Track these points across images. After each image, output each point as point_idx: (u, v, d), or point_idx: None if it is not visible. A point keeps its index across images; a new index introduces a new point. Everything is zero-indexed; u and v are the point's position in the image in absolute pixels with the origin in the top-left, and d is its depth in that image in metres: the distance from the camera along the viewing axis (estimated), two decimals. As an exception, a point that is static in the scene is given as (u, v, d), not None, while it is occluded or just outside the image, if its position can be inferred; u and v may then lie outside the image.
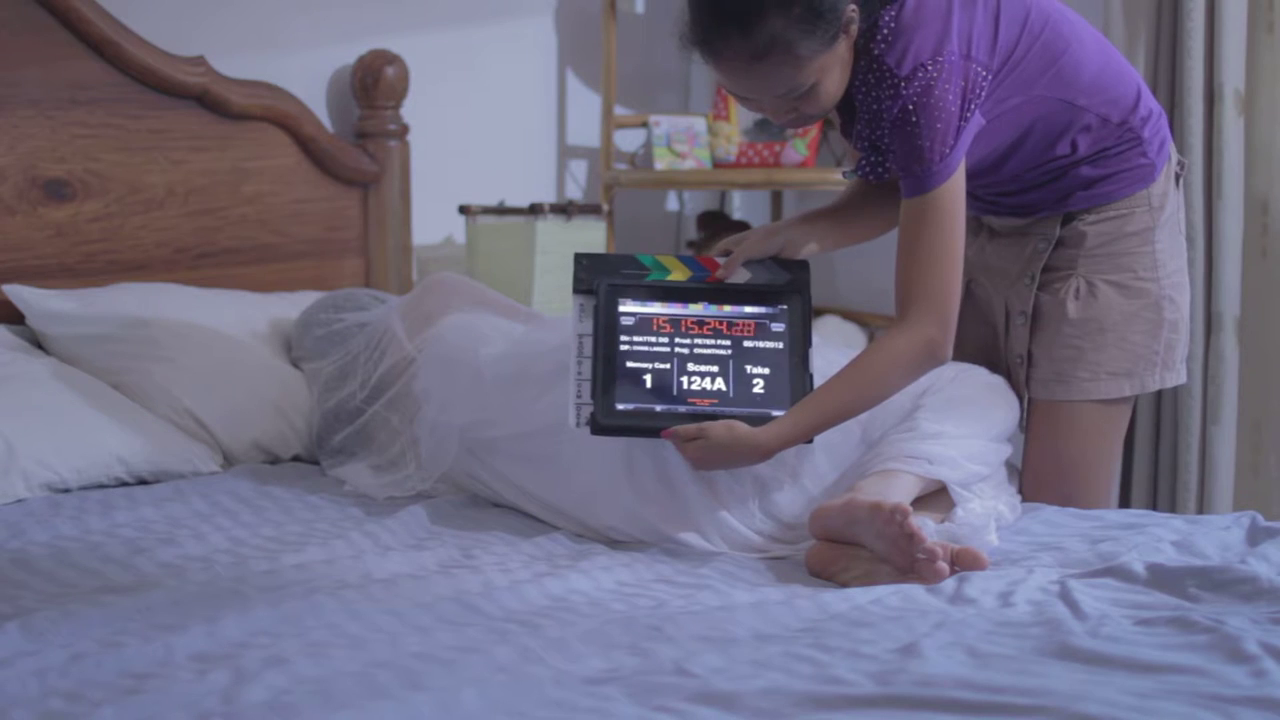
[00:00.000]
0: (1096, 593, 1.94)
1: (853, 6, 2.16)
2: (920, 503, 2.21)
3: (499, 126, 3.82)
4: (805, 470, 2.28)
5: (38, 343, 2.87)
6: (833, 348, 2.47)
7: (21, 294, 2.88)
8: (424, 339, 2.63)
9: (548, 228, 3.43)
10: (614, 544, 2.28)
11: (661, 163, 3.77)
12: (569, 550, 2.24)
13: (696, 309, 2.30)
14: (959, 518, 2.19)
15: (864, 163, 2.32)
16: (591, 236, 3.51)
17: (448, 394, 2.51)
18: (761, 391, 2.24)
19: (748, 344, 2.27)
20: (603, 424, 2.20)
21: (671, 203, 4.24)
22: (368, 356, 2.71)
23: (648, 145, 3.87)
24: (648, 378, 2.24)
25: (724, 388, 2.24)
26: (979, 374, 2.41)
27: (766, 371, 2.26)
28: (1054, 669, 1.64)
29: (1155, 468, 3.44)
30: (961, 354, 2.31)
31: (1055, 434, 2.47)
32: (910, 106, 2.17)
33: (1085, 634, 1.76)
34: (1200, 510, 3.32)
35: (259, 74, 3.30)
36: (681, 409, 2.21)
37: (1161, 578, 1.99)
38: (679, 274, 2.34)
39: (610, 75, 3.81)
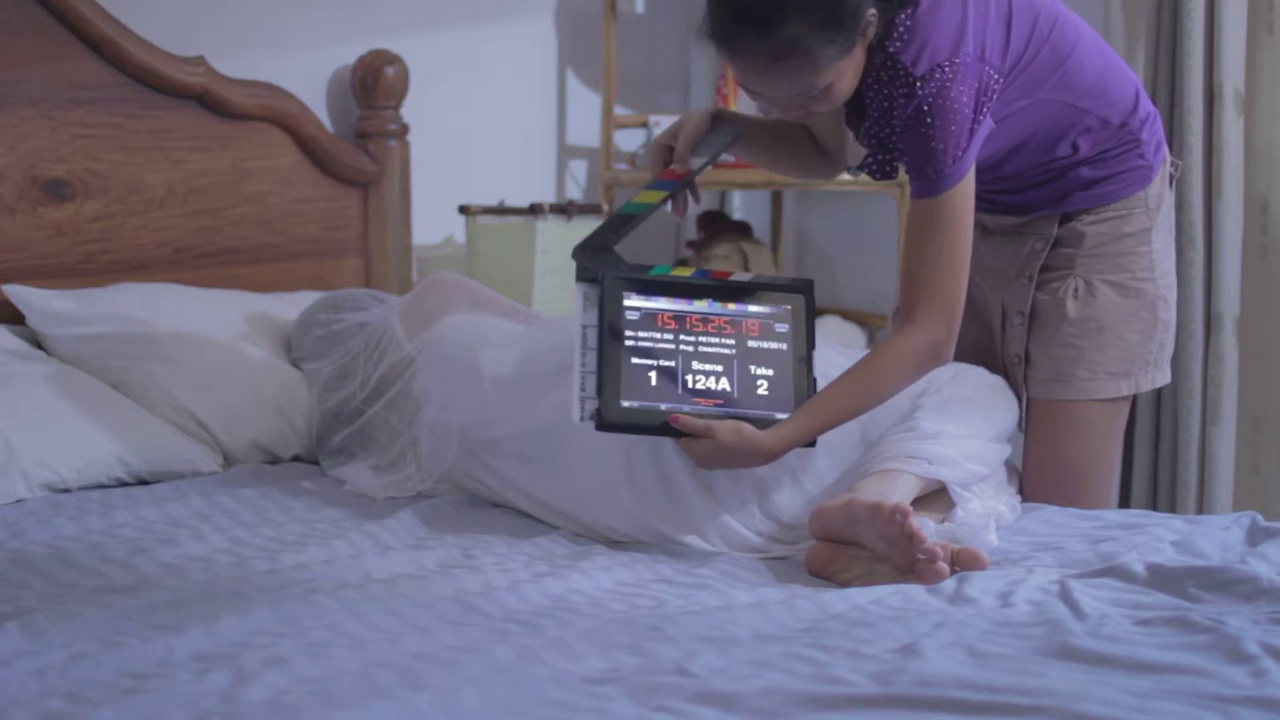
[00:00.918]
0: (1096, 593, 1.94)
1: (872, 11, 2.15)
2: (920, 503, 2.21)
3: (499, 126, 3.82)
4: (805, 470, 2.28)
5: (38, 343, 2.86)
6: (832, 348, 2.47)
7: (22, 294, 2.88)
8: (424, 339, 2.63)
9: (548, 228, 3.43)
10: (614, 544, 2.28)
11: (661, 163, 3.77)
12: (569, 550, 2.24)
13: (701, 306, 2.29)
14: (959, 518, 2.19)
15: (870, 160, 2.32)
16: (591, 236, 3.51)
17: (447, 394, 2.51)
18: (766, 393, 2.23)
19: (752, 344, 2.26)
20: (608, 420, 2.18)
21: (671, 203, 4.23)
22: (367, 357, 2.71)
23: (648, 145, 3.87)
24: (653, 374, 2.22)
25: (728, 388, 2.22)
26: (979, 374, 2.41)
27: (770, 373, 2.25)
28: (1054, 669, 1.64)
29: (1155, 468, 3.44)
30: (958, 354, 2.31)
31: (1055, 434, 2.47)
32: (925, 107, 2.17)
33: (1085, 634, 1.76)
34: (1200, 510, 3.32)
35: (259, 74, 3.30)
36: (686, 409, 2.20)
37: (1161, 578, 1.99)
38: (681, 270, 2.33)
39: (610, 75, 3.81)
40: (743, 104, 3.83)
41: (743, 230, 3.92)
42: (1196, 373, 3.30)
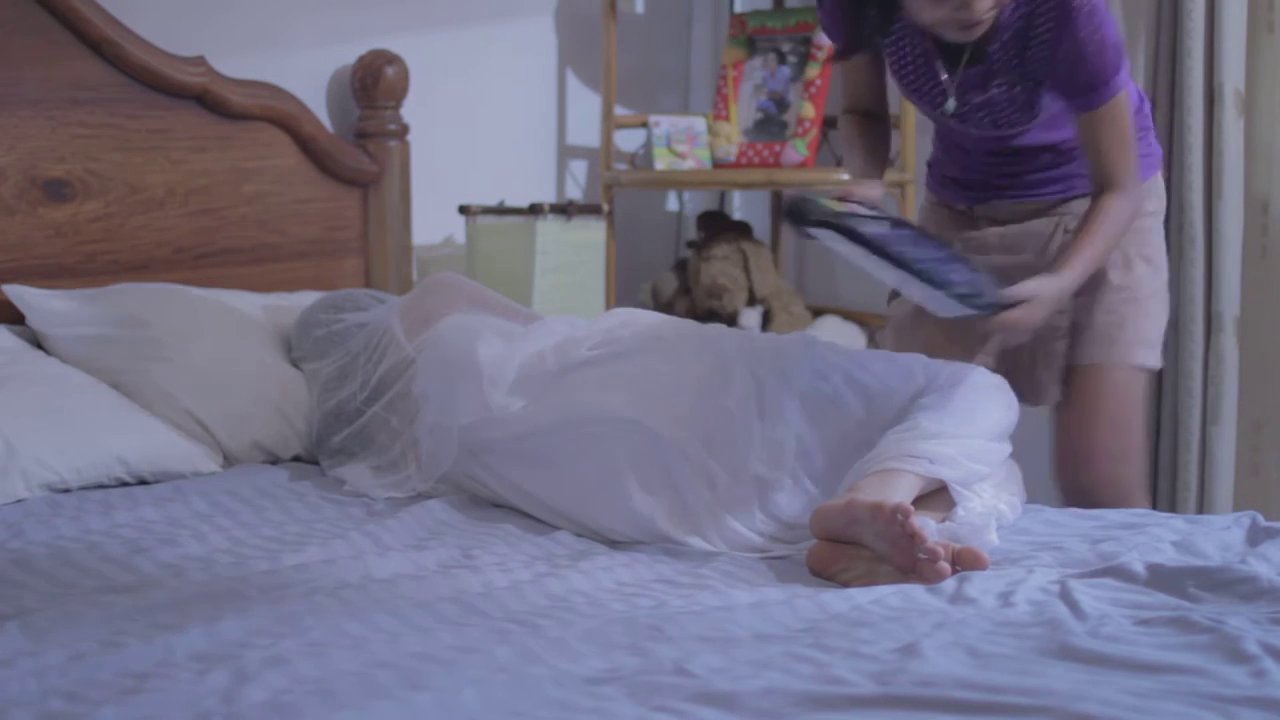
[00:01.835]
0: (1096, 593, 1.94)
1: None
2: (921, 502, 2.21)
3: (499, 126, 3.82)
4: (805, 470, 2.28)
5: (38, 343, 2.86)
6: (830, 347, 2.46)
7: (22, 294, 2.88)
8: (423, 340, 2.63)
9: (548, 228, 3.43)
10: (614, 544, 2.28)
11: (661, 163, 3.77)
12: (569, 550, 2.24)
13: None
14: (959, 517, 2.20)
15: (998, 98, 2.46)
16: (591, 236, 3.51)
17: (447, 395, 2.51)
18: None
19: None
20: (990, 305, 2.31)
21: (671, 203, 4.24)
22: (367, 358, 2.71)
23: (648, 145, 3.87)
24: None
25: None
26: (979, 373, 2.41)
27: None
28: (1054, 669, 1.64)
29: (1155, 468, 3.43)
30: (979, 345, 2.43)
31: (1100, 395, 2.58)
32: (1087, 17, 2.35)
33: (1085, 634, 1.76)
34: (1200, 510, 3.31)
35: (259, 74, 3.30)
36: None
37: (1161, 578, 1.99)
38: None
39: (610, 75, 3.81)
40: (743, 102, 3.83)
41: (743, 230, 3.92)
42: (1196, 373, 3.30)
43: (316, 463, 2.77)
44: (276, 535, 2.28)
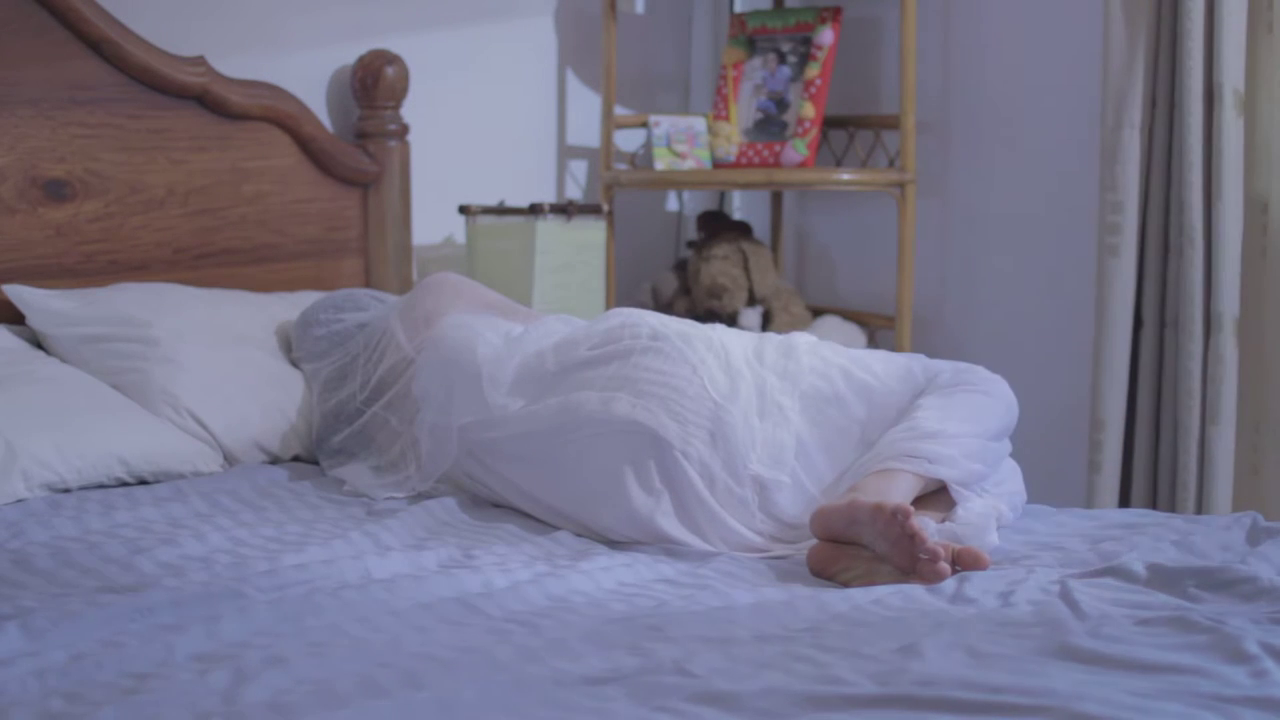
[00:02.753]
0: (1096, 593, 1.94)
1: None
2: (921, 502, 2.21)
3: (499, 126, 3.82)
4: (805, 470, 2.28)
5: (38, 343, 2.86)
6: (830, 347, 2.46)
7: (21, 294, 2.88)
8: (423, 340, 2.63)
9: (548, 228, 3.43)
10: (614, 544, 2.28)
11: (661, 163, 3.77)
12: (569, 550, 2.24)
13: None
14: (960, 517, 2.20)
15: None
16: (591, 236, 3.51)
17: (447, 395, 2.51)
18: None
19: None
20: None
21: (671, 203, 4.24)
22: (367, 358, 2.71)
23: (648, 145, 3.87)
24: None
25: None
26: (978, 373, 2.41)
27: None
28: (1054, 669, 1.64)
29: (1155, 468, 3.44)
30: None
31: None
32: None
33: (1085, 634, 1.76)
34: (1200, 510, 3.31)
35: (259, 74, 3.30)
36: None
37: (1161, 578, 1.99)
38: None
39: (610, 75, 3.81)
40: (743, 102, 3.83)
41: (743, 230, 3.92)
42: (1196, 373, 3.30)
43: (316, 463, 2.77)
44: (276, 535, 2.28)
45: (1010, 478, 2.42)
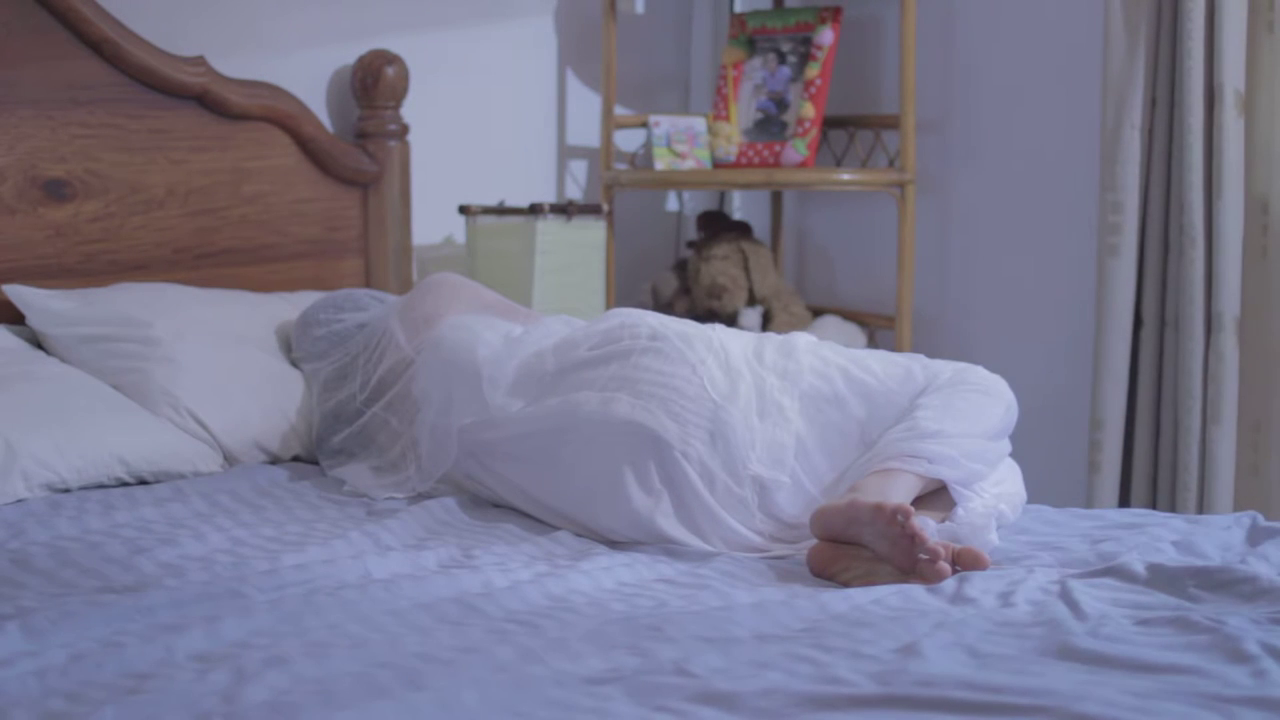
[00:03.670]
0: (1096, 593, 1.94)
1: None
2: (921, 502, 2.21)
3: (499, 126, 3.82)
4: (805, 470, 2.28)
5: (38, 343, 2.86)
6: (829, 347, 2.46)
7: (21, 294, 2.88)
8: (423, 340, 2.63)
9: (548, 228, 3.43)
10: (614, 544, 2.28)
11: (661, 163, 3.77)
12: (569, 550, 2.24)
13: None
14: (960, 517, 2.20)
15: None
16: (591, 236, 3.51)
17: (447, 396, 2.51)
18: None
19: None
20: None
21: (671, 203, 4.24)
22: (367, 358, 2.71)
23: (648, 145, 3.87)
24: None
25: None
26: (978, 373, 2.41)
27: None
28: (1054, 669, 1.64)
29: (1155, 468, 3.44)
30: None
31: None
32: None
33: (1085, 634, 1.76)
34: (1200, 510, 3.31)
35: (259, 74, 3.30)
36: None
37: (1161, 578, 1.99)
38: None
39: (610, 75, 3.81)
40: (743, 102, 3.83)
41: (743, 230, 3.92)
42: (1196, 373, 3.30)
43: (316, 463, 2.77)
44: (276, 535, 2.28)
45: (1010, 478, 2.41)
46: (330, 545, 2.20)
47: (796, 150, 3.73)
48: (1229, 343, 3.29)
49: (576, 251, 3.47)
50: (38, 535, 2.25)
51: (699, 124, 3.83)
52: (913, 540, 2.02)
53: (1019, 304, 3.80)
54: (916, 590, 1.98)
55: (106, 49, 3.06)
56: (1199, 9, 3.25)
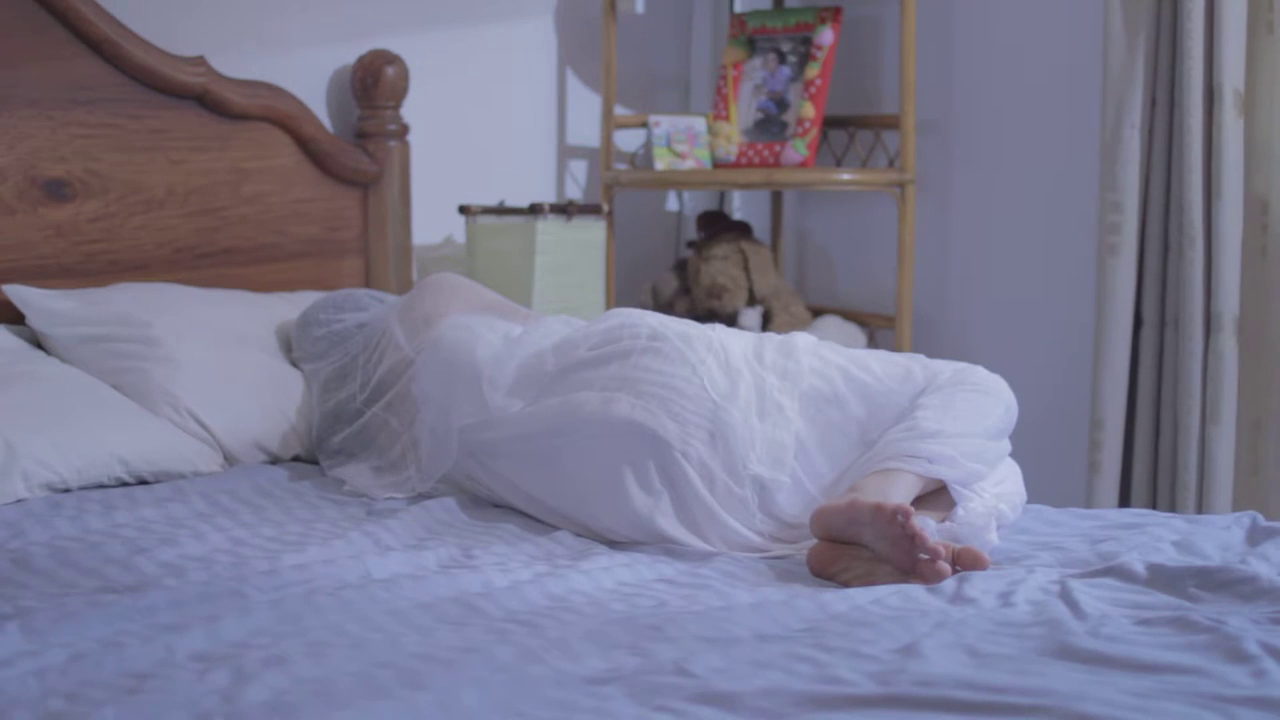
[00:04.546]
0: (1096, 593, 1.94)
1: None
2: (921, 502, 2.21)
3: (499, 126, 3.82)
4: (805, 470, 2.28)
5: (38, 343, 2.86)
6: (829, 347, 2.46)
7: (21, 294, 2.88)
8: (423, 340, 2.63)
9: (548, 228, 3.43)
10: (614, 544, 2.28)
11: (661, 163, 3.77)
12: (569, 550, 2.24)
13: None
14: (960, 517, 2.20)
15: None
16: (592, 236, 3.51)
17: (447, 396, 2.51)
18: None
19: None
20: None
21: (671, 203, 4.24)
22: (367, 358, 2.71)
23: (648, 145, 3.87)
24: None
25: None
26: (978, 373, 2.41)
27: None
28: (1054, 669, 1.64)
29: (1155, 468, 3.44)
30: None
31: None
32: None
33: (1085, 634, 1.76)
34: (1200, 510, 3.31)
35: (259, 74, 3.30)
36: None
37: (1161, 578, 1.99)
38: None
39: (610, 75, 3.81)
40: (743, 102, 3.83)
41: (743, 230, 3.92)
42: (1196, 373, 3.30)
43: (316, 463, 2.77)
44: (276, 535, 2.28)
45: (1010, 478, 2.41)
46: (330, 545, 2.20)
47: (796, 150, 3.73)
48: (1228, 342, 3.29)
49: (576, 251, 3.47)
50: (38, 535, 2.25)
51: (699, 124, 3.83)
52: (913, 540, 2.02)
53: (1019, 304, 3.80)
54: (916, 590, 1.98)
55: (106, 49, 3.06)
56: (1199, 9, 3.25)
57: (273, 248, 3.31)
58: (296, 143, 3.34)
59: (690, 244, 3.99)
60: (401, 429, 2.61)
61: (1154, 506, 3.39)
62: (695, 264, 3.85)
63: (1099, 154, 3.43)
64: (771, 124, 3.79)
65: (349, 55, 3.49)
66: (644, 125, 3.85)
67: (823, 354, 2.41)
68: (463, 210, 3.49)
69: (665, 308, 3.85)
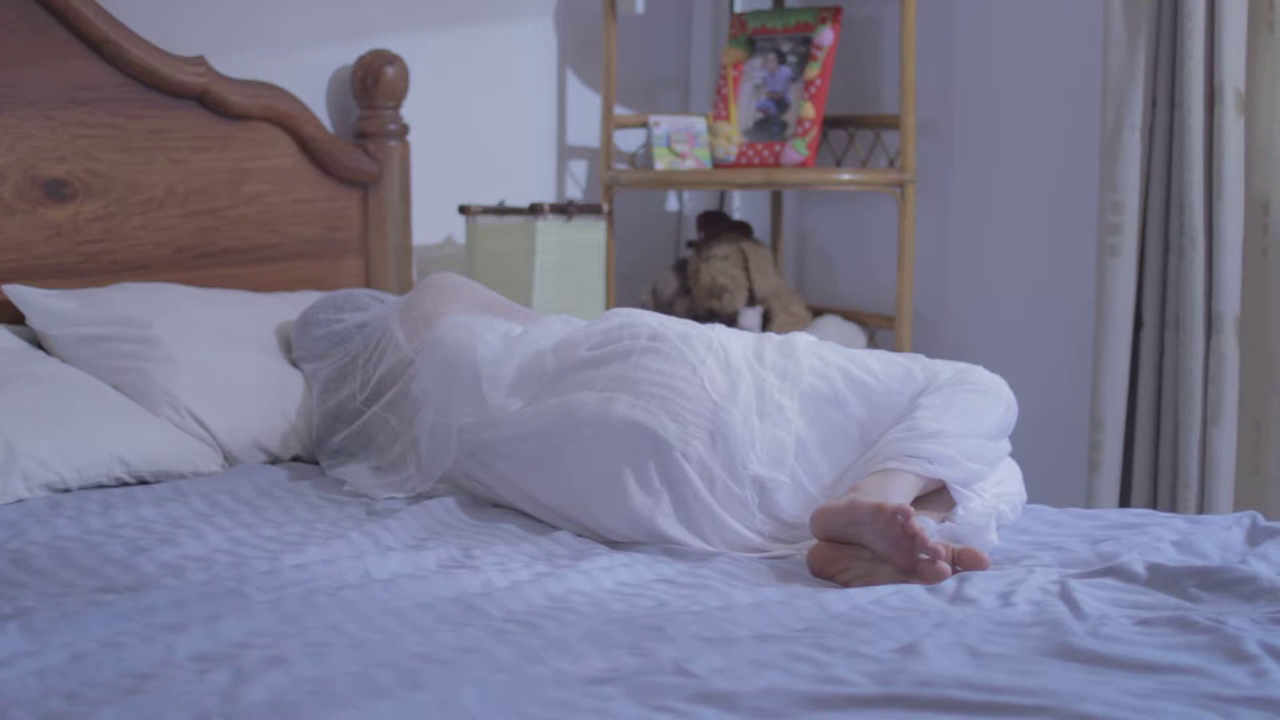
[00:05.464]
0: (1096, 593, 1.94)
1: None
2: (921, 502, 2.21)
3: (499, 126, 3.82)
4: (805, 470, 2.28)
5: (38, 343, 2.86)
6: (829, 347, 2.46)
7: (22, 294, 2.88)
8: (423, 340, 2.63)
9: (548, 228, 3.43)
10: (614, 544, 2.28)
11: (661, 163, 3.77)
12: (569, 550, 2.24)
13: None
14: (960, 517, 2.20)
15: None
16: (592, 236, 3.51)
17: (447, 396, 2.51)
18: None
19: None
20: None
21: (671, 203, 4.24)
22: (367, 358, 2.71)
23: (648, 145, 3.87)
24: None
25: None
26: (977, 373, 2.41)
27: None
28: (1054, 669, 1.64)
29: (1155, 468, 3.44)
30: None
31: None
32: None
33: (1085, 634, 1.76)
34: (1200, 510, 3.31)
35: (259, 74, 3.30)
36: None
37: (1161, 578, 1.99)
38: None
39: (610, 75, 3.81)
40: (743, 102, 3.83)
41: (743, 230, 3.92)
42: (1196, 373, 3.30)
43: (316, 463, 2.77)
44: (276, 535, 2.28)
45: (1010, 478, 2.41)
46: (330, 545, 2.20)
47: (796, 150, 3.73)
48: (1229, 343, 3.29)
49: (576, 251, 3.47)
50: (38, 535, 2.25)
51: (699, 124, 3.83)
52: (913, 540, 2.02)
53: (1019, 304, 3.80)
54: (916, 590, 1.98)
55: (106, 49, 3.06)
56: (1199, 9, 3.25)
57: (273, 248, 3.31)
58: (296, 143, 3.34)
59: (690, 244, 3.99)
60: (401, 429, 2.61)
61: (1154, 507, 3.39)
62: (695, 264, 3.85)
63: (1099, 154, 3.43)
64: (771, 124, 3.79)
65: (349, 55, 3.49)
66: (644, 125, 3.85)
67: (823, 354, 2.41)
68: (463, 210, 3.49)
69: (665, 308, 3.85)
